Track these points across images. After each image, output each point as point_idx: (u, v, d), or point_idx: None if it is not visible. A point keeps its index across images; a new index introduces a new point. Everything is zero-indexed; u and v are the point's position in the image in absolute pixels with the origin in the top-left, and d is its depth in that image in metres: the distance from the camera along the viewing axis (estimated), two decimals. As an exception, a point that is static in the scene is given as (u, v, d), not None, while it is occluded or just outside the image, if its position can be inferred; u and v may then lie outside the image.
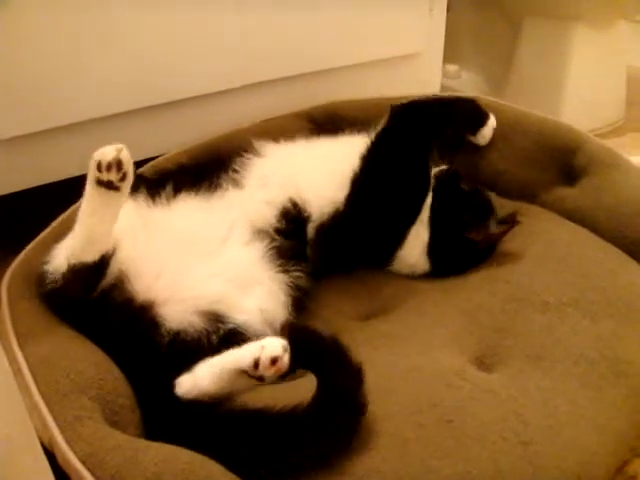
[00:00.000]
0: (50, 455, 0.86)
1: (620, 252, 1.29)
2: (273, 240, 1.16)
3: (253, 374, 0.89)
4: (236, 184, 1.23)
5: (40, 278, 1.06)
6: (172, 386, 0.96)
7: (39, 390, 0.92)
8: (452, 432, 0.94)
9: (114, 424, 0.91)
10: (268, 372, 0.88)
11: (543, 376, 1.04)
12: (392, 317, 1.24)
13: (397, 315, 1.24)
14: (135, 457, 0.83)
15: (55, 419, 0.88)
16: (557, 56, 2.18)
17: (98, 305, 1.00)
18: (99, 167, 0.96)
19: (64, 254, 1.00)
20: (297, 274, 1.15)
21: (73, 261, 0.98)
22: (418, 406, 0.99)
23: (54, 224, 1.27)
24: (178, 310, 1.02)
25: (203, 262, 1.08)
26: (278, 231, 1.19)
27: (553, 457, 0.92)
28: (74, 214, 1.27)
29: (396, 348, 1.13)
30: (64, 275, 0.99)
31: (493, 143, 1.57)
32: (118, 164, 0.96)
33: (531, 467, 0.90)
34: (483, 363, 1.11)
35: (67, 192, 1.35)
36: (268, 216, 1.21)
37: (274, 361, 0.87)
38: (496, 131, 1.57)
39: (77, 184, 1.39)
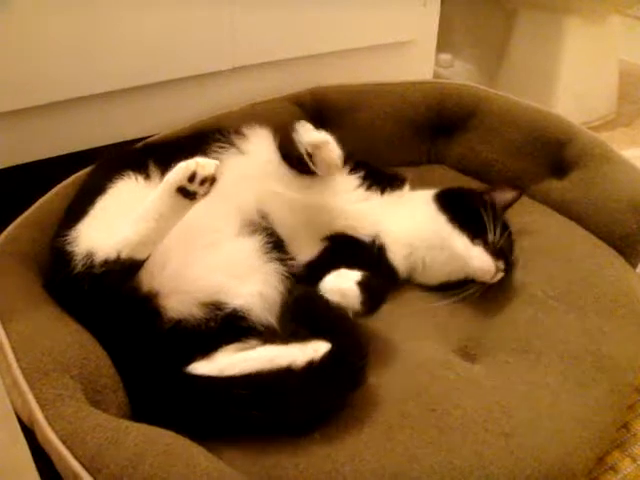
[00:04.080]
0: (30, 433, 0.86)
1: (607, 247, 1.29)
2: (265, 234, 1.13)
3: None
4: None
5: (62, 257, 1.02)
6: (167, 369, 0.96)
7: (20, 368, 0.91)
8: (436, 422, 0.95)
9: (96, 404, 0.91)
10: None
11: (527, 369, 1.05)
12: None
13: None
14: (116, 437, 0.83)
15: (36, 397, 0.87)
16: (550, 48, 2.17)
17: (105, 292, 0.98)
18: (192, 178, 0.93)
19: (111, 244, 0.96)
20: (292, 263, 1.14)
21: (124, 256, 0.95)
22: (402, 394, 0.99)
23: (41, 201, 1.24)
24: (180, 302, 1.01)
25: (205, 254, 1.06)
26: (267, 227, 1.16)
27: (534, 449, 0.92)
28: (61, 191, 1.27)
29: (381, 336, 1.13)
30: (107, 264, 0.96)
31: (483, 133, 1.57)
32: (212, 180, 0.94)
33: (513, 458, 0.90)
34: (468, 354, 1.11)
35: (53, 169, 1.34)
36: (255, 215, 1.17)
37: None
38: (487, 121, 1.56)
39: (62, 161, 1.39)
